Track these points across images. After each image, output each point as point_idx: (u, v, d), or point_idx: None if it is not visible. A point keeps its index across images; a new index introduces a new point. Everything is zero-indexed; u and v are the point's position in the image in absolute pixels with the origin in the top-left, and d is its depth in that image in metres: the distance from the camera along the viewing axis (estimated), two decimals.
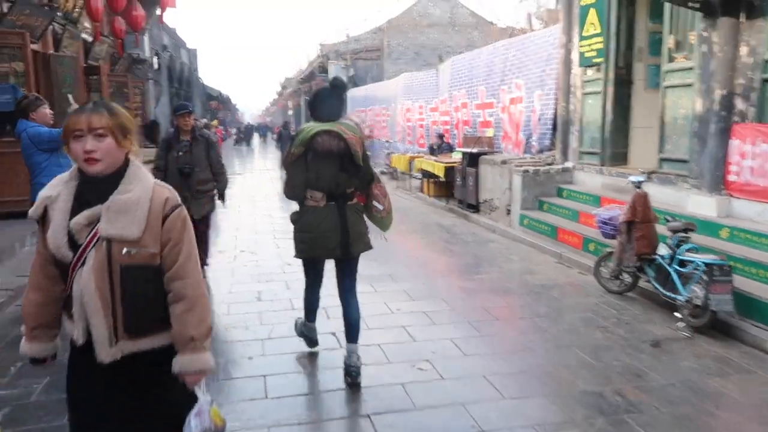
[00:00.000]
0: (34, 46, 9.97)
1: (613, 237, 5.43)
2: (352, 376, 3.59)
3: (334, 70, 27.14)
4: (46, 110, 5.09)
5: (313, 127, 3.47)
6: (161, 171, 5.57)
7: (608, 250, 5.61)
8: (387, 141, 18.05)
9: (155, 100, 19.88)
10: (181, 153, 5.51)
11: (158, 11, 18.34)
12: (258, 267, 6.51)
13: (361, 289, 5.62)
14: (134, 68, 18.00)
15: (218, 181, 5.80)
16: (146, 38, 18.18)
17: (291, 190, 3.55)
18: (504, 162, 8.81)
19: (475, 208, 9.74)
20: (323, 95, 3.63)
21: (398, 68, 26.75)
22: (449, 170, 10.76)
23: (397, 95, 17.94)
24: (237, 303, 5.24)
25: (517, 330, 4.60)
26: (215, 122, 31.70)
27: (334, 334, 4.44)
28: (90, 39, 13.45)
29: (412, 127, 16.46)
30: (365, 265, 6.70)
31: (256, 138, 46.71)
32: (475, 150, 9.84)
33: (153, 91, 19.42)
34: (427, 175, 12.06)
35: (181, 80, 28.79)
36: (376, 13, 62.75)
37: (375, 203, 3.71)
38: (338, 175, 3.46)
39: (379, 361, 3.99)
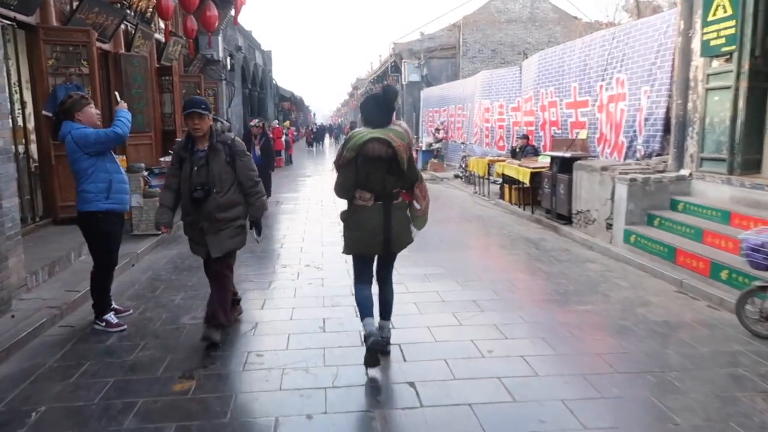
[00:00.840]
0: (105, 46, 9.77)
1: (766, 268, 4.28)
2: (383, 346, 3.84)
3: (408, 70, 26.39)
4: (92, 110, 4.56)
5: (364, 133, 3.62)
6: (173, 191, 4.25)
7: (757, 283, 4.45)
8: (462, 143, 17.04)
9: (228, 102, 19.82)
10: (195, 168, 4.10)
11: (232, 12, 18.24)
12: (323, 287, 5.77)
13: (444, 320, 4.79)
14: (207, 69, 17.95)
15: (250, 204, 4.27)
16: (220, 39, 18.08)
17: (342, 191, 3.75)
18: (604, 168, 7.66)
19: (566, 219, 8.63)
20: (374, 101, 3.77)
21: (474, 67, 25.64)
22: (535, 176, 9.69)
23: (475, 94, 16.92)
24: (297, 334, 4.50)
25: (649, 390, 3.58)
26: (287, 123, 31.69)
27: (412, 384, 3.59)
28: (164, 39, 13.31)
29: (490, 128, 15.40)
30: (446, 288, 5.86)
31: (327, 138, 46.95)
32: (568, 154, 8.72)
33: (226, 92, 19.35)
34: (508, 180, 11.02)
35: (255, 82, 28.93)
36: (452, 10, 61.01)
37: (414, 203, 3.89)
38: (386, 177, 3.67)
39: (472, 430, 3.09)
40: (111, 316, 4.62)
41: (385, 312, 4.01)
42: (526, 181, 9.76)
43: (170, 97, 12.98)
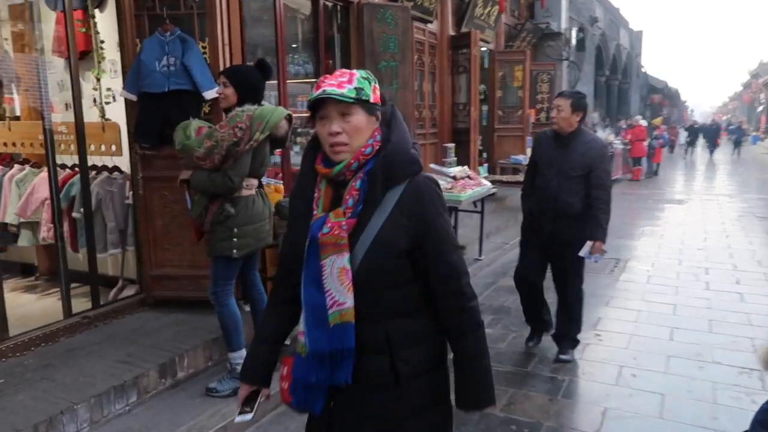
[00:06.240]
0: None
1: None
2: None
3: None
4: None
5: (271, 110, 3.11)
6: None
7: None
8: None
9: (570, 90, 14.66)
10: None
11: None
12: None
13: None
14: (543, 45, 13.21)
15: None
16: (563, 4, 13.09)
17: (240, 180, 3.06)
18: None
19: None
20: (257, 74, 3.22)
21: None
22: None
23: None
24: None
25: None
26: (659, 120, 24.43)
27: None
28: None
29: None
30: None
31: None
32: None
33: (567, 77, 14.23)
34: None
35: (616, 67, 22.78)
36: None
37: None
38: (269, 157, 3.40)
39: None
40: None
41: None
42: None
43: (466, 80, 8.74)
